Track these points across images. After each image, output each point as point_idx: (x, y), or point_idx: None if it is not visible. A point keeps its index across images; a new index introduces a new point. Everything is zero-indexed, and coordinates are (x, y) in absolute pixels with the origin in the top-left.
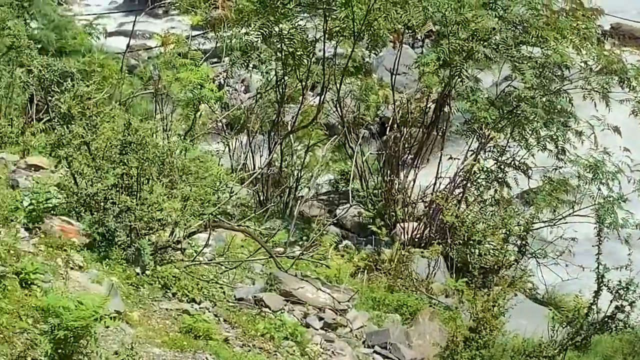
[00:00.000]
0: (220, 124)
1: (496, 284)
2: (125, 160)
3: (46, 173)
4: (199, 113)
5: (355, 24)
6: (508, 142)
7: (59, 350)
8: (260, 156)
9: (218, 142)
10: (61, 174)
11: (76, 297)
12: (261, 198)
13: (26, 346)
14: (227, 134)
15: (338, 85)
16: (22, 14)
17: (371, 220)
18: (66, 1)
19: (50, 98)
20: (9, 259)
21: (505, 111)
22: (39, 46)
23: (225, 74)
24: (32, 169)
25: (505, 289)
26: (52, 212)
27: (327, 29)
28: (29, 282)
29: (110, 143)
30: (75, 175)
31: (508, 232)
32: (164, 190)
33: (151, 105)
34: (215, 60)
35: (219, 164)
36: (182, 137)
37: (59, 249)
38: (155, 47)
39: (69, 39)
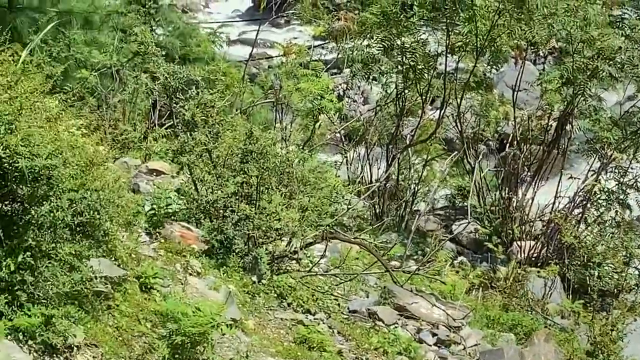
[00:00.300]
0: (338, 135)
1: (615, 307)
2: (245, 169)
3: (167, 178)
4: (318, 123)
5: (478, 39)
6: (631, 163)
7: (176, 356)
8: (378, 168)
9: (336, 153)
10: (182, 180)
11: (194, 303)
12: (377, 211)
13: (144, 350)
14: (345, 145)
15: (458, 100)
16: (149, 21)
17: (487, 237)
18: (190, 9)
19: (174, 105)
20: (130, 263)
21: (628, 131)
22: (164, 53)
23: (345, 85)
24: (154, 173)
25: (625, 313)
26: (172, 217)
27: (450, 43)
28: (149, 287)
29: (231, 151)
30: (196, 182)
31: (629, 255)
32: (282, 200)
33: (271, 114)
34: (335, 71)
35: (336, 175)
36: (301, 147)
37: (178, 254)
38: (277, 56)
39: (193, 47)
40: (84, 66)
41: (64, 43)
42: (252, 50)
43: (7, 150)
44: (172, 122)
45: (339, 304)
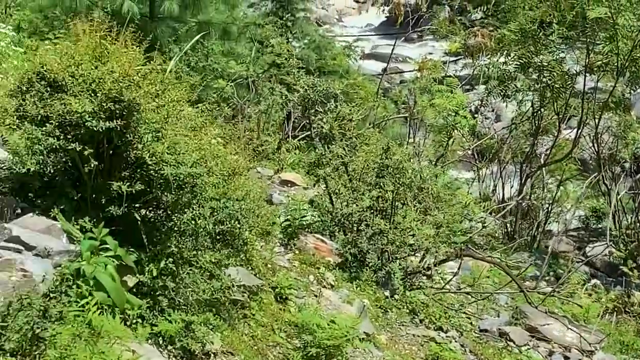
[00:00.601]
0: (470, 151)
1: None
2: (381, 183)
3: (299, 190)
4: (451, 140)
5: (619, 58)
6: None
7: None
8: (511, 187)
9: (468, 170)
10: (316, 192)
11: (329, 315)
12: (509, 229)
13: None
14: (477, 162)
15: (596, 120)
16: (285, 33)
17: (622, 261)
18: (324, 22)
19: (312, 117)
20: (267, 273)
21: None
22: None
23: (479, 102)
24: (288, 184)
25: None
26: (306, 229)
27: (589, 62)
28: (284, 297)
29: (367, 165)
30: (332, 195)
31: None
32: (417, 216)
33: (403, 129)
34: (467, 87)
35: (468, 192)
36: (434, 162)
37: (312, 266)
38: (409, 71)
39: (328, 60)
40: (221, 76)
41: (202, 53)
42: (387, 65)
43: (154, 157)
44: (305, 134)
45: (471, 323)
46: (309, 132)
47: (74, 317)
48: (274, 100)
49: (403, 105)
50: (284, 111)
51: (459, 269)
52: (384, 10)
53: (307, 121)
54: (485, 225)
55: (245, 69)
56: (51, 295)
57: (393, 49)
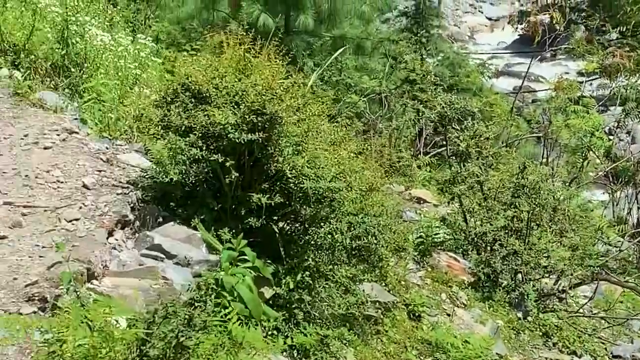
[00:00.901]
0: (604, 173)
1: None
2: (516, 203)
3: (430, 207)
4: (586, 161)
5: None
6: None
7: None
8: None
9: (603, 193)
10: (449, 210)
11: (462, 335)
12: None
13: None
14: (612, 184)
15: None
16: (419, 49)
17: None
18: (455, 39)
19: (448, 134)
20: (400, 290)
21: None
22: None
23: (616, 123)
24: (421, 201)
25: None
26: (439, 247)
27: None
28: (417, 314)
29: (502, 184)
30: (466, 213)
31: None
32: (552, 238)
33: (536, 148)
34: (601, 108)
35: (602, 215)
36: (568, 184)
37: (444, 284)
38: (543, 90)
39: (461, 77)
40: (354, 91)
41: (336, 68)
42: (522, 84)
43: (294, 170)
44: (437, 151)
45: (605, 348)
46: (440, 149)
47: (215, 327)
48: (408, 116)
49: (536, 125)
50: (415, 127)
51: (594, 292)
52: (517, 28)
53: (440, 138)
54: (623, 250)
55: (378, 84)
56: (195, 304)
57: (529, 68)
